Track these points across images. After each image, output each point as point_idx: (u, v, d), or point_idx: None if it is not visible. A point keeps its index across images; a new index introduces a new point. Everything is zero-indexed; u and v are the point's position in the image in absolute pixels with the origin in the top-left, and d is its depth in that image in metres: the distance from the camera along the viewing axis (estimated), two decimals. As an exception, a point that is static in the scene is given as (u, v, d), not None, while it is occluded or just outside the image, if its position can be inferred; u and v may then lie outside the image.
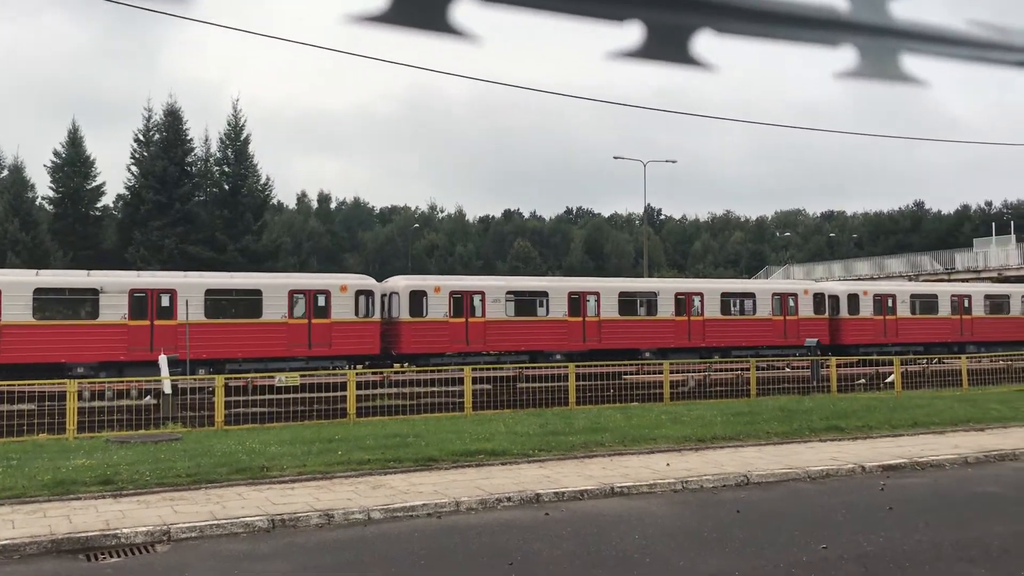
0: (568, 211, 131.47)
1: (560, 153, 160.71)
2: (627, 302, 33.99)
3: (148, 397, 21.27)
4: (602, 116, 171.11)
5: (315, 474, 12.13)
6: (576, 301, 32.55)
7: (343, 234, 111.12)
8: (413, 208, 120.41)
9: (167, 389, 19.93)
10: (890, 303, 38.17)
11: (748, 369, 25.19)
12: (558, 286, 33.54)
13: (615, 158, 60.82)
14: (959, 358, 29.13)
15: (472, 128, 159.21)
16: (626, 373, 27.96)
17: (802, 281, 39.31)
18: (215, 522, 9.49)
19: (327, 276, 33.54)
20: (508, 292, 31.88)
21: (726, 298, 35.79)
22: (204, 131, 71.67)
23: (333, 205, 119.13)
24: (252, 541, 9.17)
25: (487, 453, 13.61)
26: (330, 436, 15.20)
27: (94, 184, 59.67)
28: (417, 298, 30.02)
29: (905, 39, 1.20)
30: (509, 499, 10.78)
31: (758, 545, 8.73)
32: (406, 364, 28.70)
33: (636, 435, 15.54)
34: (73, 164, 57.99)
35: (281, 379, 21.23)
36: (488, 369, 27.29)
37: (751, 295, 36.39)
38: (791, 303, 36.15)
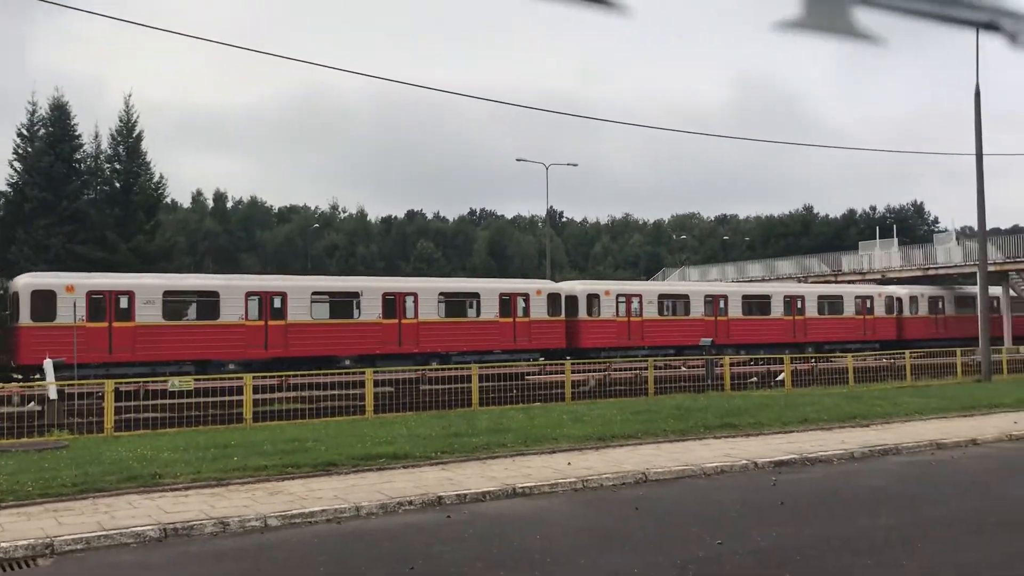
0: (472, 212, 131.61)
1: (463, 154, 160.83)
2: (320, 304, 30.89)
3: (32, 403, 20.32)
4: (503, 117, 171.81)
5: (210, 481, 11.79)
6: (258, 303, 29.28)
7: (240, 234, 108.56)
8: (313, 208, 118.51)
9: (52, 394, 19.07)
10: (636, 304, 36.81)
11: (647, 369, 25.68)
12: (235, 284, 30.20)
13: (518, 160, 61.26)
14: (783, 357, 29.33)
15: (371, 127, 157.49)
16: (529, 373, 28.13)
17: (535, 281, 37.60)
18: (103, 533, 9.12)
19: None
20: (165, 292, 28.39)
21: (447, 299, 33.19)
22: (94, 127, 69.07)
23: (230, 204, 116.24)
24: (143, 552, 8.85)
25: (388, 456, 13.49)
26: (226, 442, 14.81)
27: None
28: None
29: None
30: (411, 503, 10.70)
31: (656, 542, 8.89)
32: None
33: (538, 435, 15.64)
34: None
35: (174, 383, 20.57)
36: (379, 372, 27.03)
37: (475, 295, 33.66)
38: (521, 304, 33.92)
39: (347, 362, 29.11)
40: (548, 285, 36.31)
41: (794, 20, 1.04)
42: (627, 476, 12.42)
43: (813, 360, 30.57)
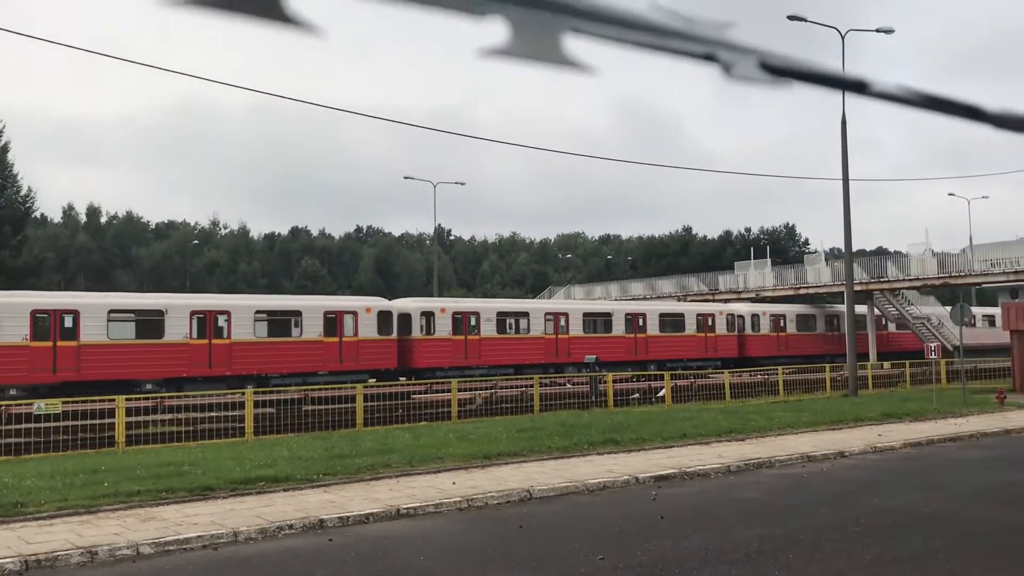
0: (358, 229, 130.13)
1: (348, 170, 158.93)
2: (120, 323, 28.75)
3: None
4: (389, 135, 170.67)
5: (78, 508, 11.24)
6: (48, 321, 27.16)
7: (115, 251, 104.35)
8: (192, 224, 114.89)
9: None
10: (473, 322, 35.64)
11: (532, 385, 25.90)
12: (17, 302, 27.65)
13: (405, 178, 61.08)
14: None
15: (252, 142, 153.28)
16: (415, 392, 27.95)
17: (364, 298, 35.91)
18: (-43, 567, 8.57)
19: None
20: None
21: (265, 317, 31.28)
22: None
23: (103, 219, 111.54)
24: (1, 586, 8.35)
25: (269, 479, 13.16)
26: (96, 467, 14.17)
27: None
28: None
29: (565, 15, 1.05)
30: (291, 526, 10.46)
31: (540, 559, 8.95)
32: None
33: (424, 455, 15.55)
34: None
35: (40, 406, 19.54)
36: (260, 392, 26.39)
37: (297, 313, 32.02)
38: (350, 322, 32.45)
39: (148, 386, 27.34)
40: (378, 303, 34.80)
41: (501, 48, 1.03)
42: (512, 494, 12.48)
43: (692, 377, 31.44)
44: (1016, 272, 43.96)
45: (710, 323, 43.98)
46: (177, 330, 29.06)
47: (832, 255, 70.94)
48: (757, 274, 55.69)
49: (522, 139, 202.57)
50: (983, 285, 52.53)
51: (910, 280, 47.78)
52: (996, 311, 52.52)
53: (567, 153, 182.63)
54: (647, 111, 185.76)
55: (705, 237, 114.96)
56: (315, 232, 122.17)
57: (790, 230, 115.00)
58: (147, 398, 22.80)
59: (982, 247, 48.60)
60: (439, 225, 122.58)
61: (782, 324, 47.04)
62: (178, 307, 29.52)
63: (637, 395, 28.88)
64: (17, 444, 18.12)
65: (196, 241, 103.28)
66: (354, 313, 32.62)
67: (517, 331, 37.31)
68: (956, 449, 18.08)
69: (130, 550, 9.38)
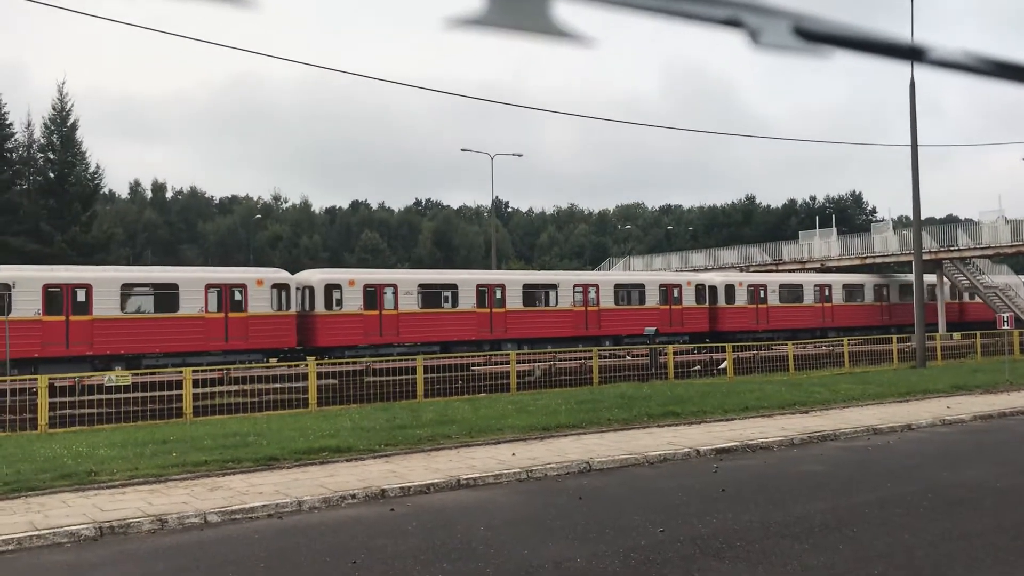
0: (417, 202, 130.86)
1: (407, 144, 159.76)
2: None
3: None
4: (444, 107, 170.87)
5: (148, 477, 11.57)
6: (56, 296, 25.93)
7: (181, 225, 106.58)
8: (255, 198, 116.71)
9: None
10: (389, 295, 32.71)
11: (592, 358, 25.84)
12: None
13: (463, 150, 61.14)
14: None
15: (308, 117, 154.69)
16: (475, 364, 28.10)
17: (257, 269, 32.98)
18: (35, 533, 8.89)
19: None
20: None
21: (134, 292, 28.67)
22: (27, 115, 67.24)
23: (169, 195, 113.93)
24: (77, 551, 8.64)
25: (331, 450, 13.37)
26: (165, 437, 14.54)
27: None
28: None
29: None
30: (354, 496, 10.62)
31: (599, 530, 8.94)
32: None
33: (483, 426, 15.64)
34: None
35: (111, 378, 20.12)
36: (324, 364, 26.68)
37: (173, 287, 28.92)
38: (237, 297, 29.61)
39: None
40: (273, 274, 31.71)
41: (475, 16, 0.92)
42: (571, 465, 12.48)
43: (755, 349, 31.02)
44: (1094, 239, 42.36)
45: (675, 294, 40.10)
46: (26, 307, 26.25)
47: (900, 223, 69.17)
48: (822, 243, 54.62)
49: (574, 109, 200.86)
50: (1059, 253, 50.76)
51: (982, 248, 46.38)
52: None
53: (619, 121, 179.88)
54: (697, 78, 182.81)
55: (768, 206, 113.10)
56: (375, 206, 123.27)
57: (857, 198, 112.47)
58: (214, 369, 23.32)
59: (1058, 213, 46.88)
60: (496, 197, 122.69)
61: (762, 295, 42.91)
62: (26, 281, 26.58)
63: (698, 367, 28.63)
64: (91, 415, 18.71)
65: (259, 215, 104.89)
66: (242, 286, 29.76)
67: (442, 305, 33.94)
68: (1029, 422, 17.56)
69: (198, 518, 9.62)
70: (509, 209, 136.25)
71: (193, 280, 29.20)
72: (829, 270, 51.38)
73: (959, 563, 7.68)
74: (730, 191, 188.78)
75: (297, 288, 31.53)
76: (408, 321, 32.42)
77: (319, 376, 21.27)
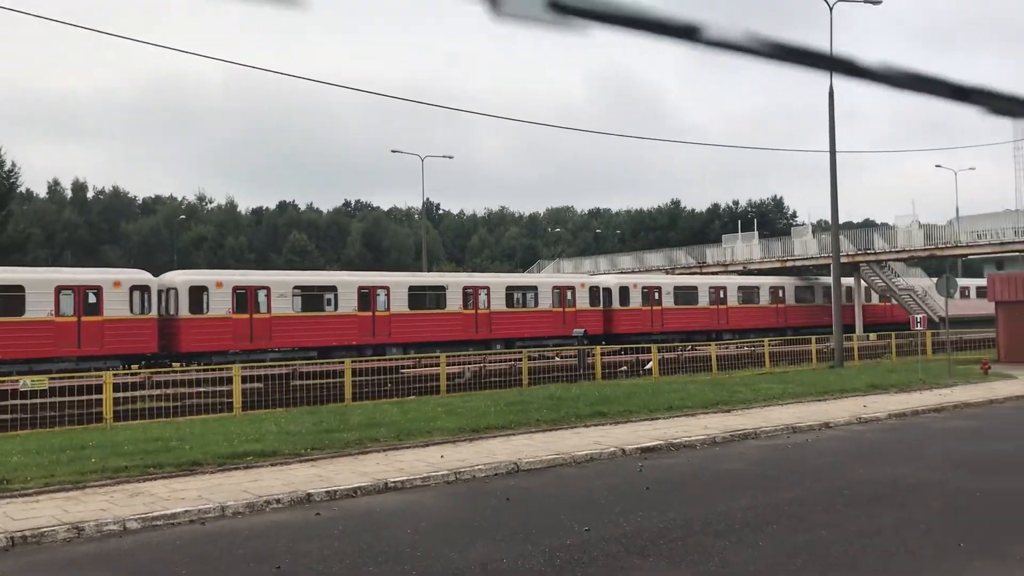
0: (346, 203, 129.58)
1: (335, 145, 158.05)
2: None
3: None
4: (374, 109, 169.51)
5: (65, 484, 11.23)
6: None
7: (103, 226, 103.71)
8: (180, 199, 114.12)
9: None
10: (263, 298, 31.12)
11: (521, 360, 25.96)
12: None
13: (393, 151, 60.77)
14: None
15: (236, 116, 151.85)
16: (404, 367, 27.97)
17: (115, 271, 31.16)
18: (-57, 544, 8.56)
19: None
20: None
21: None
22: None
23: (90, 195, 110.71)
24: (-12, 562, 8.36)
25: (256, 454, 13.18)
26: (83, 443, 14.14)
27: None
28: None
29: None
30: (279, 501, 10.49)
31: (526, 531, 9.01)
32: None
33: (412, 429, 15.59)
34: None
35: (25, 383, 19.46)
36: (256, 367, 26.26)
37: (18, 288, 27.31)
38: (92, 299, 28.16)
39: None
40: (132, 276, 30.03)
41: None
42: (500, 467, 12.53)
43: (679, 349, 31.53)
44: (1002, 244, 44.18)
45: (569, 297, 39.28)
46: None
47: (819, 227, 71.12)
48: (744, 247, 55.84)
49: (506, 113, 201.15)
50: (969, 256, 52.81)
51: (896, 252, 47.97)
52: (982, 282, 52.83)
53: (552, 126, 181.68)
54: (624, 83, 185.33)
55: (693, 210, 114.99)
56: (303, 206, 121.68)
57: (778, 203, 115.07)
58: (136, 373, 22.75)
59: (968, 219, 48.78)
60: (428, 199, 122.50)
61: (657, 297, 42.62)
62: None
63: (625, 368, 28.98)
64: (4, 421, 18.08)
65: (183, 216, 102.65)
66: (98, 288, 28.21)
67: (322, 308, 32.62)
68: (941, 419, 18.24)
69: (117, 526, 9.38)
70: (440, 211, 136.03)
71: (41, 282, 27.56)
72: (751, 272, 52.52)
73: (873, 557, 7.95)
74: (657, 195, 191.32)
75: (160, 291, 30.07)
76: (283, 325, 31.05)
77: (245, 380, 20.93)
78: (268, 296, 31.23)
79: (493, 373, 27.15)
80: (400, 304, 34.08)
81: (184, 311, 29.73)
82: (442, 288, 36.01)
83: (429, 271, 60.79)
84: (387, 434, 15.08)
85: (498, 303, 36.91)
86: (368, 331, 32.91)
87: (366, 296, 33.13)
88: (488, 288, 36.84)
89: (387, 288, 34.01)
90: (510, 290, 37.72)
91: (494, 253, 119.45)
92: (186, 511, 9.87)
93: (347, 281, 33.94)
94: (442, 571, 7.68)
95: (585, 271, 60.76)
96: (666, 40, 0.90)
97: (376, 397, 22.22)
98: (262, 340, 30.80)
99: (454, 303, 35.80)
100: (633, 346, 32.05)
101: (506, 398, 20.35)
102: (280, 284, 32.02)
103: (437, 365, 24.61)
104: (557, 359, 29.98)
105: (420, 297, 35.09)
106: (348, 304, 32.71)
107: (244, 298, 30.61)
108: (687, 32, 0.91)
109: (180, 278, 30.85)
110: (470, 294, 36.32)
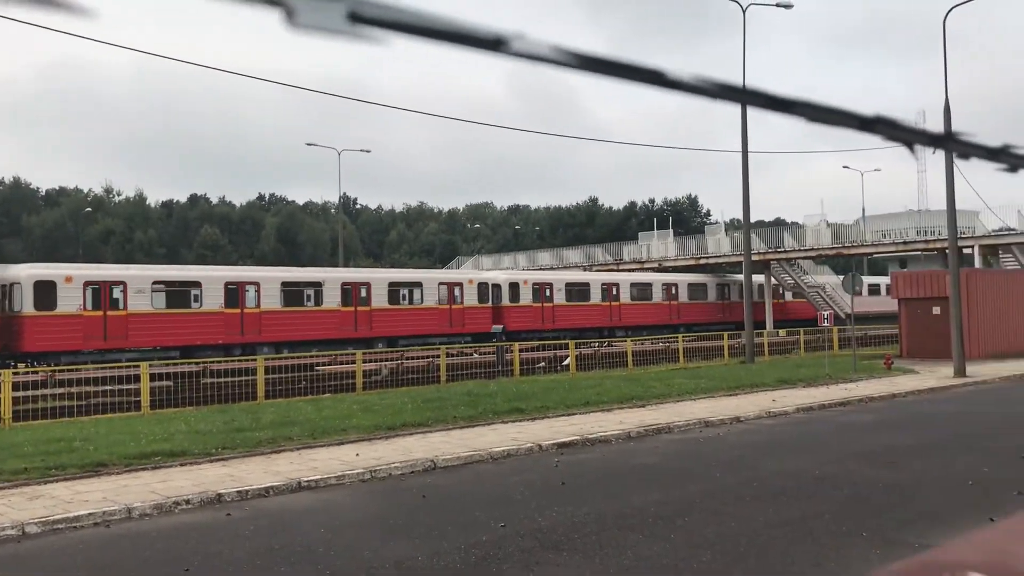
0: (260, 197, 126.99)
1: (248, 138, 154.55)
2: None
3: None
4: (288, 101, 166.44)
5: (-42, 488, 10.75)
6: None
7: (2, 219, 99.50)
8: (85, 191, 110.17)
9: None
10: (118, 294, 29.72)
11: (439, 356, 25.89)
12: None
13: (308, 144, 59.84)
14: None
15: (145, 106, 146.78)
16: (319, 364, 27.58)
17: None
18: None
19: None
20: None
21: None
22: None
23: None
24: None
25: (165, 454, 12.83)
26: (-21, 444, 13.54)
27: None
28: None
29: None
30: (188, 502, 10.23)
31: (442, 528, 8.98)
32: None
33: (327, 427, 15.39)
34: None
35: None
36: (158, 365, 25.52)
37: None
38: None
39: None
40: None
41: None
42: (416, 464, 12.47)
43: (596, 345, 31.88)
44: (905, 243, 45.95)
45: (456, 293, 38.38)
46: None
47: (732, 226, 72.71)
48: (660, 244, 56.79)
49: (424, 107, 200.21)
50: (874, 255, 54.72)
51: (805, 250, 49.43)
52: (886, 280, 54.84)
53: (469, 122, 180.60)
54: (541, 80, 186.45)
55: (611, 208, 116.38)
56: (215, 200, 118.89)
57: (692, 201, 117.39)
58: (37, 371, 21.88)
59: (874, 218, 50.59)
60: (344, 194, 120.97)
61: (548, 294, 42.12)
62: None
63: (543, 364, 29.16)
64: None
65: (89, 209, 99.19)
66: None
67: (185, 306, 31.09)
68: (846, 413, 18.85)
69: (15, 530, 9.02)
70: (358, 206, 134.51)
71: None
72: (667, 270, 53.44)
73: (779, 547, 8.17)
74: (575, 193, 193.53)
75: (3, 285, 28.37)
76: (140, 323, 29.39)
77: (153, 378, 20.36)
78: (125, 292, 29.56)
79: (411, 370, 26.99)
80: (272, 300, 32.70)
81: (29, 308, 27.84)
82: (319, 284, 34.56)
83: (346, 266, 60.06)
84: (301, 433, 14.86)
85: (380, 300, 35.79)
86: (236, 329, 31.49)
87: (234, 292, 31.66)
88: (369, 284, 35.68)
89: (257, 283, 32.53)
90: (393, 286, 36.56)
91: (413, 249, 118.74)
92: (90, 513, 9.55)
93: (213, 276, 32.42)
94: (356, 570, 7.60)
95: (505, 267, 60.93)
96: (474, 51, 0.88)
97: (290, 395, 21.87)
98: (118, 339, 29.11)
99: (332, 300, 34.52)
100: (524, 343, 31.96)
101: (424, 395, 20.26)
102: (138, 279, 30.35)
103: (353, 362, 24.35)
104: (475, 355, 29.99)
105: (294, 293, 33.72)
106: (214, 301, 31.25)
107: (98, 294, 28.84)
108: (493, 44, 0.89)
109: (25, 272, 28.98)
110: (349, 290, 35.04)
